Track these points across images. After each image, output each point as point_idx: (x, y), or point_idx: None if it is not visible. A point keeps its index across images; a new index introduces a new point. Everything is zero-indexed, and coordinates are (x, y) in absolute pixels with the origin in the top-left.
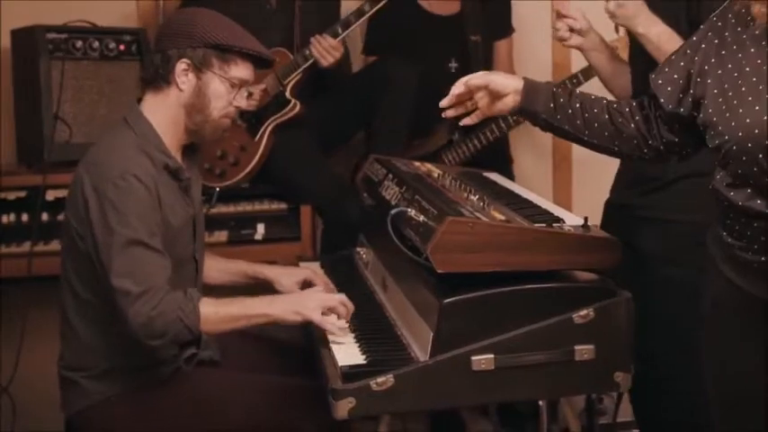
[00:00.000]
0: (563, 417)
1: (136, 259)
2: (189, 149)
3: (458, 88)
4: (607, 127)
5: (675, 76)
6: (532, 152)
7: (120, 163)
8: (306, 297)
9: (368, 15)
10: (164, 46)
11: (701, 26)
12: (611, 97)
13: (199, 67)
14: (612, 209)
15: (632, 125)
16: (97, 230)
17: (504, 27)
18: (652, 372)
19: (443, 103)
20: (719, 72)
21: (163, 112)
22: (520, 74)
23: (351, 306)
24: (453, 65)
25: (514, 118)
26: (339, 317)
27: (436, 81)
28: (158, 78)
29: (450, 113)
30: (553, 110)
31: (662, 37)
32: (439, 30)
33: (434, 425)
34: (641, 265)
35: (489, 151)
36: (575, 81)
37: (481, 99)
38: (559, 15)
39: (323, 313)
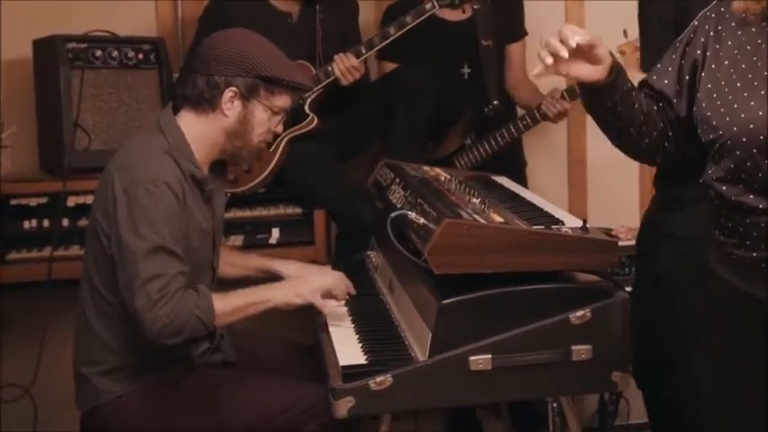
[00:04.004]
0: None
1: (160, 265)
2: (216, 162)
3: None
4: (655, 124)
5: (680, 74)
6: (546, 155)
7: (152, 168)
8: (305, 281)
9: (392, 38)
10: (211, 70)
11: (694, 21)
12: None
13: (246, 96)
14: (644, 224)
15: (661, 123)
16: (123, 232)
17: (515, 30)
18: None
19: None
20: (713, 66)
21: (201, 132)
22: None
23: (349, 284)
24: (466, 70)
25: (525, 122)
26: (338, 299)
27: (449, 86)
28: (202, 101)
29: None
30: (629, 91)
31: None
32: (451, 35)
33: (450, 425)
34: (657, 280)
35: (502, 155)
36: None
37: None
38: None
39: (323, 296)
